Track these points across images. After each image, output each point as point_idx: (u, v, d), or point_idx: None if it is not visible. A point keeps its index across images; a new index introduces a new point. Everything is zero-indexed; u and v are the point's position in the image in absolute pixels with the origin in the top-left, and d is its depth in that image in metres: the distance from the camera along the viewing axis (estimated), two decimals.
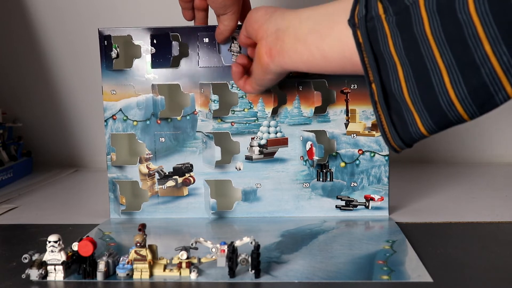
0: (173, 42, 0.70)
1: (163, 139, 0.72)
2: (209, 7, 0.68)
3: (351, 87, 0.70)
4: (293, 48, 0.51)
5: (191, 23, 0.71)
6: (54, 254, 0.51)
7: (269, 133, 0.71)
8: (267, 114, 0.70)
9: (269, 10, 0.56)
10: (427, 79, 0.40)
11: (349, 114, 0.70)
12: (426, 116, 0.42)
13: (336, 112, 0.70)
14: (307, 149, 0.71)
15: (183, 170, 0.72)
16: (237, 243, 0.51)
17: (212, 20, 0.70)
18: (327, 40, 0.48)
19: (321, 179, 0.71)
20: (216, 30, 0.67)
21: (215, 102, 0.71)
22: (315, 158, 0.70)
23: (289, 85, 0.70)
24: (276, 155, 0.71)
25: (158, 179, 0.72)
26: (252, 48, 0.64)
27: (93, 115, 1.11)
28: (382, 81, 0.44)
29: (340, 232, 0.65)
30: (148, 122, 0.72)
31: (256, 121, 0.71)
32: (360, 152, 0.70)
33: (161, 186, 0.72)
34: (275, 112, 0.70)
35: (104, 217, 0.73)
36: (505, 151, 1.09)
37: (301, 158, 0.71)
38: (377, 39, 0.43)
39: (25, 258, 0.51)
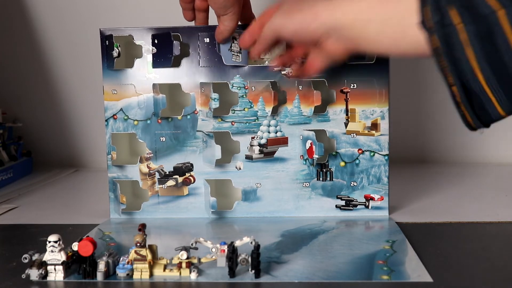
0: (174, 42, 0.70)
1: (163, 139, 0.72)
2: (209, 7, 0.68)
3: (351, 87, 0.70)
4: (370, 47, 0.53)
5: (192, 23, 0.71)
6: (54, 254, 0.51)
7: (269, 132, 0.71)
8: (267, 112, 0.70)
9: (310, 16, 0.54)
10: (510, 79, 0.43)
11: (349, 114, 0.70)
12: (507, 103, 0.44)
13: (336, 111, 0.70)
14: (307, 148, 0.71)
15: (183, 170, 0.72)
16: (237, 243, 0.51)
17: (212, 20, 0.70)
18: (402, 45, 0.49)
19: (321, 179, 0.71)
20: (216, 30, 0.67)
21: (215, 100, 0.71)
22: (315, 156, 0.70)
23: (289, 84, 0.70)
24: (276, 155, 0.71)
25: (158, 178, 0.72)
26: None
27: (93, 115, 1.10)
28: (463, 82, 0.45)
29: (340, 232, 0.65)
30: (148, 121, 0.72)
31: (257, 121, 0.71)
32: (360, 151, 0.70)
33: (161, 186, 0.72)
34: (275, 111, 0.70)
35: (104, 217, 0.73)
36: (506, 151, 1.09)
37: (301, 157, 0.71)
38: (453, 45, 0.44)
39: (25, 258, 0.51)
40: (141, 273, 0.51)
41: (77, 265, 0.52)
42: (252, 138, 0.71)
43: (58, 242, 0.51)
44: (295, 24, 0.55)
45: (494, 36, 0.42)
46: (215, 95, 0.71)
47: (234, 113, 0.71)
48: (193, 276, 0.50)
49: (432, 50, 0.46)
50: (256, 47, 0.62)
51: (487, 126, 0.47)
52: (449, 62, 0.45)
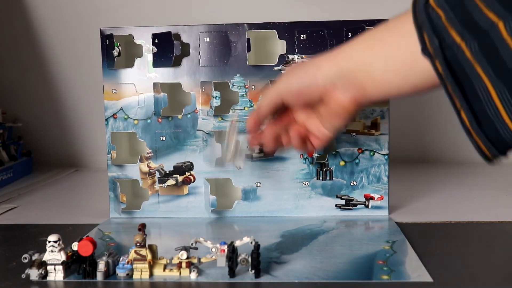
0: (174, 41, 0.70)
1: (164, 138, 0.72)
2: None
3: None
4: (379, 89, 0.49)
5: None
6: (54, 254, 0.51)
7: None
8: None
9: (311, 71, 0.52)
10: None
11: None
12: None
13: None
14: None
15: (183, 169, 0.72)
16: (237, 243, 0.51)
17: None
18: (412, 79, 0.47)
19: (321, 178, 0.71)
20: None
21: (217, 98, 0.71)
22: (315, 155, 0.70)
23: None
24: (276, 154, 0.71)
25: (158, 177, 0.72)
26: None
27: (93, 115, 1.11)
28: (471, 106, 0.43)
29: (340, 232, 0.65)
30: (149, 121, 0.72)
31: None
32: (360, 151, 0.70)
33: (161, 185, 0.72)
34: None
35: (104, 217, 0.73)
36: None
37: (301, 156, 0.71)
38: (461, 66, 0.42)
39: (25, 258, 0.51)
40: (141, 273, 0.51)
41: (77, 265, 0.52)
42: None
43: (58, 242, 0.51)
44: (298, 81, 0.52)
45: (498, 49, 0.40)
46: (216, 93, 0.71)
47: (234, 112, 0.71)
48: (193, 276, 0.50)
49: (438, 76, 0.44)
50: (256, 113, 0.57)
51: (504, 153, 0.44)
52: (452, 84, 0.43)
